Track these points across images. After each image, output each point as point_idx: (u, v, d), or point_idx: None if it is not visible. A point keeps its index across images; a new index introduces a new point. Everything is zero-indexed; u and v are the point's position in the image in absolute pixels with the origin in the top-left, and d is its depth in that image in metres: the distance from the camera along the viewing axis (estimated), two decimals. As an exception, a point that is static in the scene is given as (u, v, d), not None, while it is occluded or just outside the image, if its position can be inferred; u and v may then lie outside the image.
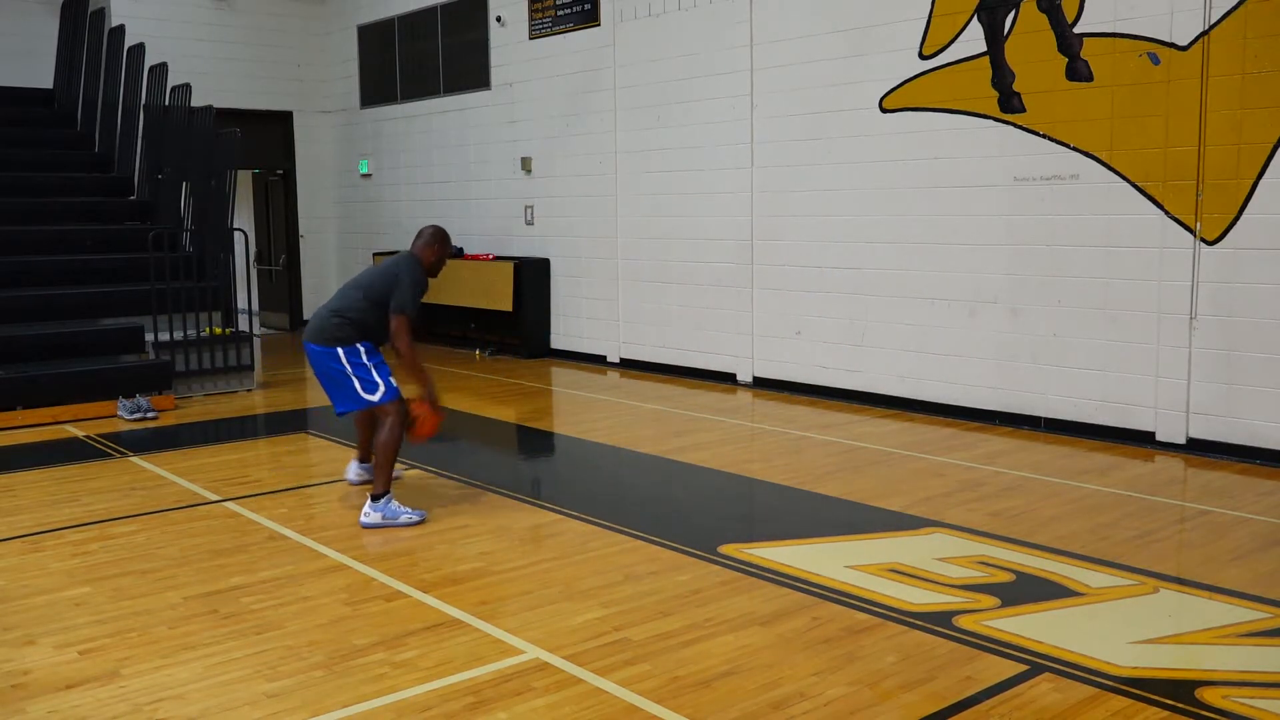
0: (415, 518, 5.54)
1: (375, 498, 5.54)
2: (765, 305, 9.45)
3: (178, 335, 9.61)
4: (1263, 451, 6.61)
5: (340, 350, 5.53)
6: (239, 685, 3.71)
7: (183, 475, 6.71)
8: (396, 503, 5.59)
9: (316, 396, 9.97)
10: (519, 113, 11.84)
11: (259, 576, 4.81)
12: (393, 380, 5.58)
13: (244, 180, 15.39)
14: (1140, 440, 7.11)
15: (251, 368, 10.01)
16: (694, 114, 9.86)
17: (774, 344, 9.43)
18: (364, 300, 5.57)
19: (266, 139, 14.47)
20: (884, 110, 8.35)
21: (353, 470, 6.32)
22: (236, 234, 10.34)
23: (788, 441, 7.50)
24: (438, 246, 5.75)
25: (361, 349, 5.56)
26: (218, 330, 9.93)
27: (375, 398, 5.53)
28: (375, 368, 5.56)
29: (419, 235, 5.77)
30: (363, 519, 5.51)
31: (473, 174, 12.59)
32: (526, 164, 11.74)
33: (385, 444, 5.53)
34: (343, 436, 7.77)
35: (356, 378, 5.54)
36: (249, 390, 9.84)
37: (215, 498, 6.18)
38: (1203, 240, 6.75)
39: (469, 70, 12.45)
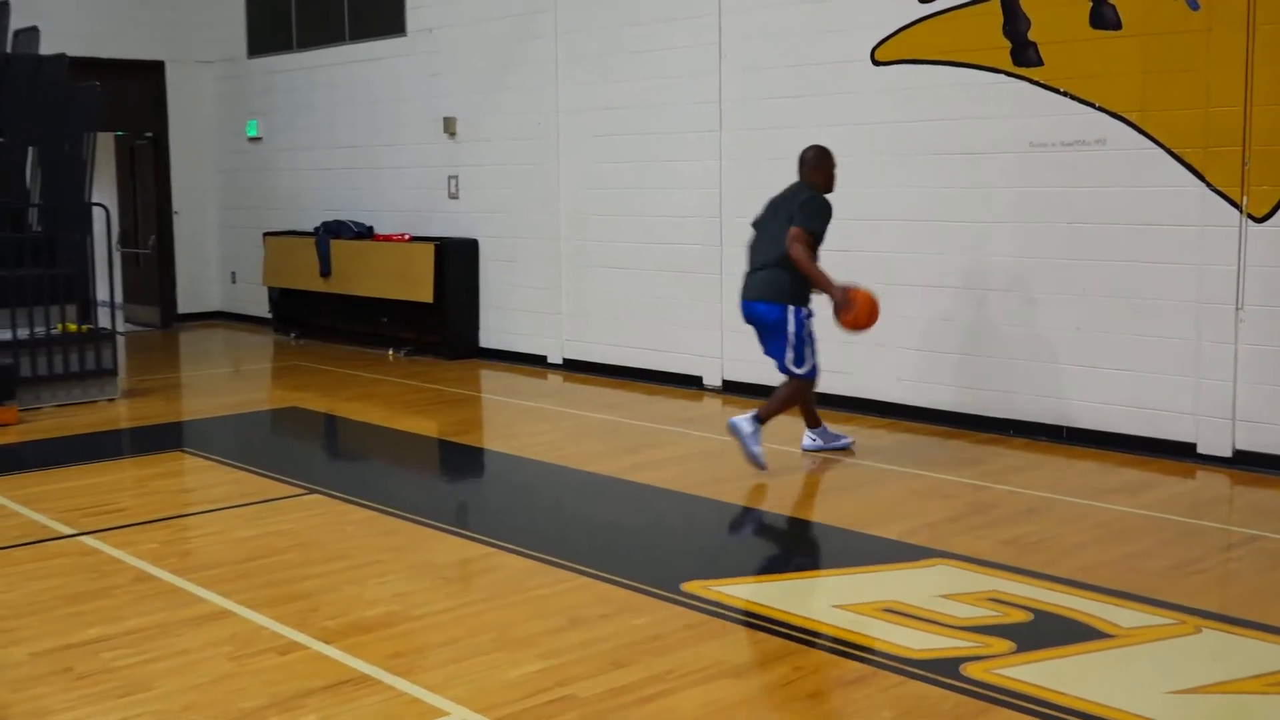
0: (848, 441, 7.47)
1: (813, 425, 7.41)
2: (737, 295, 9.44)
3: (22, 334, 9.46)
4: (1320, 465, 6.72)
5: (790, 310, 6.90)
6: (99, 759, 3.65)
7: (28, 504, 6.60)
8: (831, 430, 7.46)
9: (194, 406, 9.87)
10: (441, 64, 11.79)
11: (123, 627, 4.73)
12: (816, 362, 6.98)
13: (105, 144, 15.17)
14: (1178, 453, 7.21)
15: (114, 372, 9.89)
16: (651, 66, 9.86)
17: (748, 341, 9.43)
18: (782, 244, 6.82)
19: (133, 95, 14.27)
20: (876, 63, 8.40)
21: (806, 439, 7.50)
22: (96, 210, 10.20)
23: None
24: (827, 165, 7.02)
25: (806, 312, 6.94)
26: (72, 327, 9.80)
27: (801, 371, 6.96)
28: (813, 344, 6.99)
29: (803, 160, 7.09)
30: (805, 444, 7.45)
31: (385, 138, 12.52)
32: (450, 126, 11.70)
33: (784, 398, 7.01)
34: (227, 455, 7.69)
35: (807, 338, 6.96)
36: (111, 400, 9.71)
37: (69, 531, 6.09)
38: (1250, 217, 6.86)
39: (380, 12, 12.38)
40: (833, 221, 8.70)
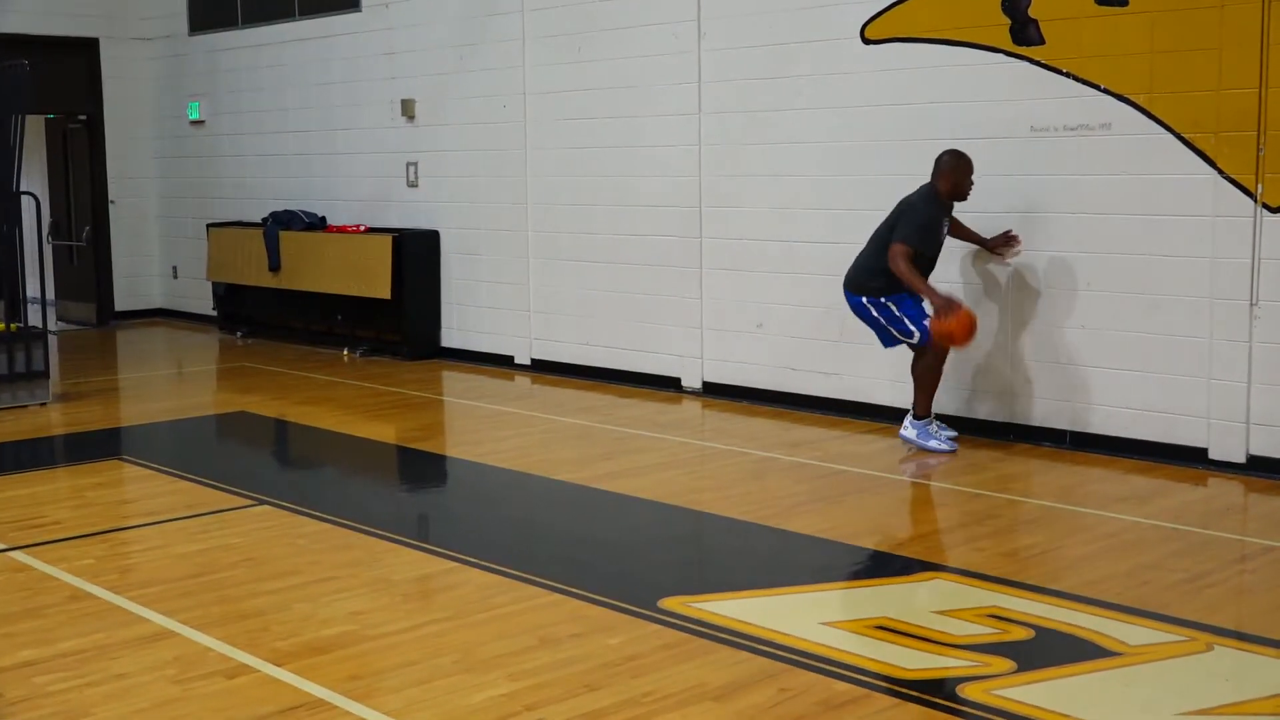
0: (945, 448, 7.54)
1: (918, 417, 7.61)
2: (718, 291, 9.49)
3: (-54, 332, 9.40)
4: (1340, 471, 6.78)
5: (885, 300, 7.50)
6: (31, 792, 3.64)
7: (-46, 517, 6.57)
8: (937, 425, 7.64)
9: (133, 411, 9.84)
10: (399, 41, 11.77)
11: (57, 649, 4.71)
12: (927, 324, 7.33)
13: (34, 127, 15.06)
14: (1190, 459, 7.25)
15: (45, 375, 9.84)
16: (626, 44, 9.87)
17: (730, 340, 9.48)
18: (883, 247, 7.43)
19: (64, 74, 14.19)
20: (866, 41, 8.43)
21: (906, 425, 7.81)
22: (24, 199, 10.13)
23: (747, 464, 7.54)
24: (955, 173, 7.45)
25: (908, 299, 7.45)
26: (0, 326, 9.74)
27: (914, 340, 7.53)
28: (915, 315, 7.47)
29: (936, 163, 7.53)
30: (902, 432, 7.70)
31: (339, 120, 12.49)
32: (409, 108, 11.68)
33: (922, 373, 7.57)
34: (169, 464, 7.66)
35: (904, 316, 7.49)
36: (42, 404, 9.66)
37: (-2, 546, 6.07)
38: (1265, 206, 6.90)
39: (333, -14, 12.36)
40: (823, 212, 8.79)
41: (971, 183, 7.54)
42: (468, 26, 11.10)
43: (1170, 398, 7.32)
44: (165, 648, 4.71)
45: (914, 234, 7.39)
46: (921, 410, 7.65)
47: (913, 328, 7.48)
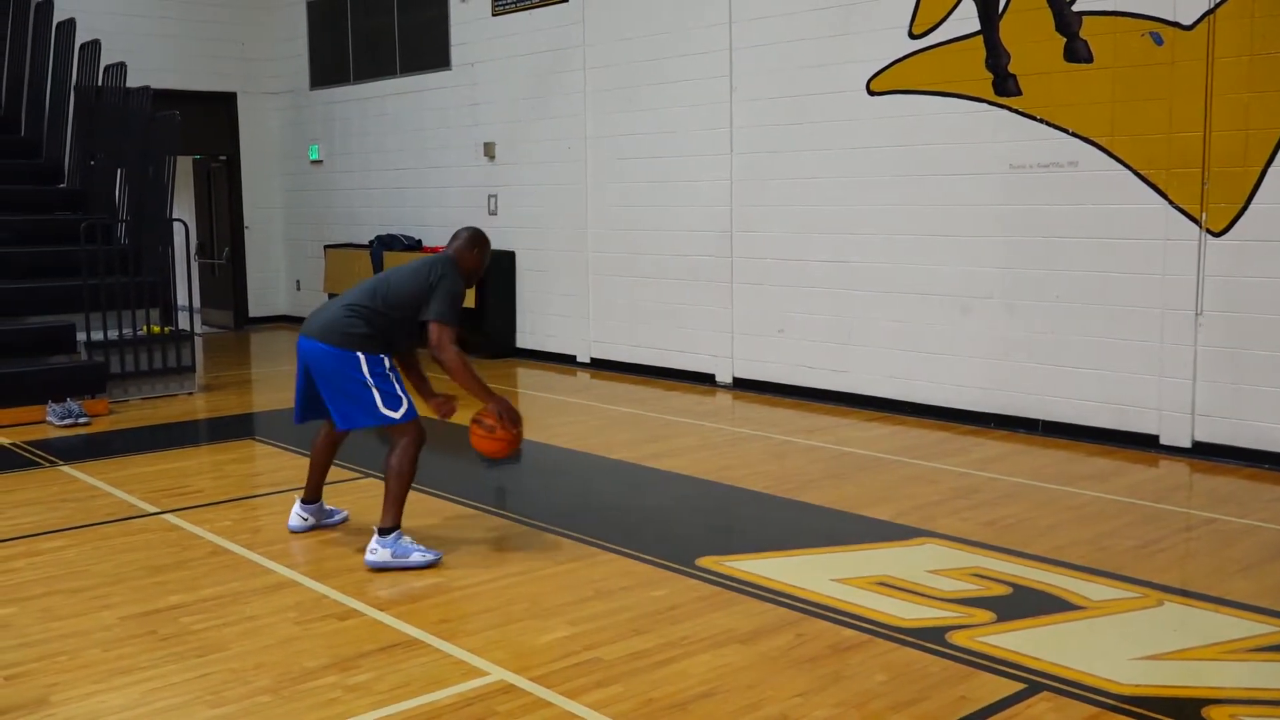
0: (430, 557, 5.06)
1: (383, 531, 5.06)
2: (746, 301, 9.47)
3: (112, 335, 9.52)
4: (1271, 455, 6.68)
5: (362, 357, 5.05)
6: (179, 712, 3.68)
7: (117, 485, 6.65)
8: (408, 539, 5.12)
9: (263, 400, 9.92)
10: (481, 95, 11.81)
11: (200, 595, 4.77)
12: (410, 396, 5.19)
13: (184, 167, 15.26)
14: (1143, 444, 7.17)
15: (193, 369, 9.94)
16: (669, 96, 9.87)
17: (755, 342, 9.45)
18: (386, 304, 5.12)
19: (208, 122, 14.37)
20: (871, 93, 8.39)
21: (296, 515, 5.64)
22: (176, 225, 10.26)
23: (770, 446, 7.52)
24: (478, 250, 5.31)
25: (385, 360, 5.12)
26: (155, 329, 9.86)
27: (398, 415, 5.05)
28: (398, 381, 5.15)
29: (455, 237, 5.34)
30: (369, 557, 5.04)
31: (432, 160, 12.56)
32: (489, 150, 11.72)
33: (401, 470, 5.07)
34: (292, 443, 7.73)
35: (379, 390, 5.05)
36: (189, 394, 9.77)
37: (153, 510, 6.13)
38: (1208, 231, 6.82)
39: (428, 49, 12.41)
40: (834, 235, 8.75)
41: (484, 270, 5.48)
42: (539, 82, 11.12)
43: (1126, 392, 7.24)
44: (288, 594, 4.76)
45: (452, 312, 5.14)
46: (392, 520, 5.09)
47: (401, 394, 5.11)
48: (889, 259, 8.40)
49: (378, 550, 5.05)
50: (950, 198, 8.01)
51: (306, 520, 5.66)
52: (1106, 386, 7.35)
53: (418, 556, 5.06)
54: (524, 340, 11.70)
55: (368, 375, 5.06)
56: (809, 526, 5.76)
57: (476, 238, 5.37)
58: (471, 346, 11.81)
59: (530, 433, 8.36)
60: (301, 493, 5.73)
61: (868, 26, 8.34)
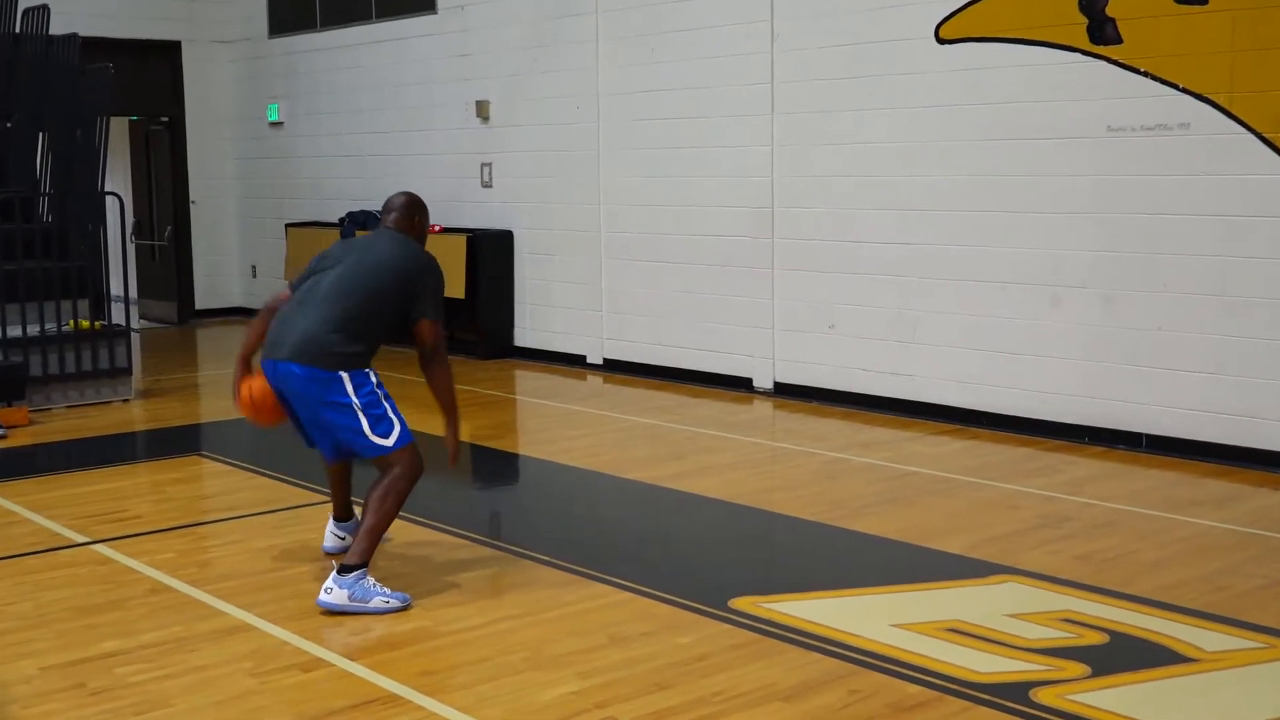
0: (395, 603, 5.01)
1: (345, 569, 5.01)
2: (789, 291, 9.47)
3: (32, 330, 9.57)
4: None
5: (346, 376, 5.07)
6: (113, 780, 3.70)
7: (39, 510, 6.68)
8: (373, 580, 5.06)
9: (212, 408, 9.96)
10: (473, 44, 11.84)
11: (139, 640, 4.78)
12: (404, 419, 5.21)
13: (119, 130, 15.34)
14: (1269, 463, 7.14)
15: (129, 371, 9.99)
16: (699, 45, 9.87)
17: (800, 341, 9.44)
18: (369, 306, 5.19)
19: (148, 77, 14.43)
20: (941, 41, 8.38)
21: (331, 535, 5.78)
22: (109, 199, 10.30)
23: (818, 465, 7.51)
24: (420, 218, 5.60)
25: (371, 375, 5.18)
26: (84, 324, 9.90)
27: (389, 442, 5.11)
28: (387, 397, 5.19)
29: (390, 208, 5.55)
30: (323, 597, 4.98)
31: (414, 122, 12.59)
32: (483, 109, 11.75)
33: (384, 504, 5.08)
34: (246, 460, 7.76)
35: (366, 415, 5.09)
36: (125, 400, 9.82)
37: (82, 539, 6.16)
38: (1348, 207, 6.79)
39: (408, -11, 12.46)
40: (895, 213, 8.74)
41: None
42: (541, 28, 11.15)
43: (1249, 401, 7.20)
44: (243, 641, 4.77)
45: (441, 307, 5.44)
46: (360, 558, 5.06)
47: (393, 418, 5.20)
48: (961, 240, 8.39)
49: (333, 590, 5.01)
50: (1035, 167, 7.99)
51: (344, 539, 5.70)
52: (1224, 394, 7.32)
53: (379, 602, 5.01)
54: (523, 337, 11.72)
55: (354, 397, 5.12)
56: (864, 561, 5.75)
57: (415, 204, 5.59)
58: (461, 344, 11.85)
59: (530, 448, 8.40)
60: (331, 510, 5.85)
61: (936, -39, 8.35)
